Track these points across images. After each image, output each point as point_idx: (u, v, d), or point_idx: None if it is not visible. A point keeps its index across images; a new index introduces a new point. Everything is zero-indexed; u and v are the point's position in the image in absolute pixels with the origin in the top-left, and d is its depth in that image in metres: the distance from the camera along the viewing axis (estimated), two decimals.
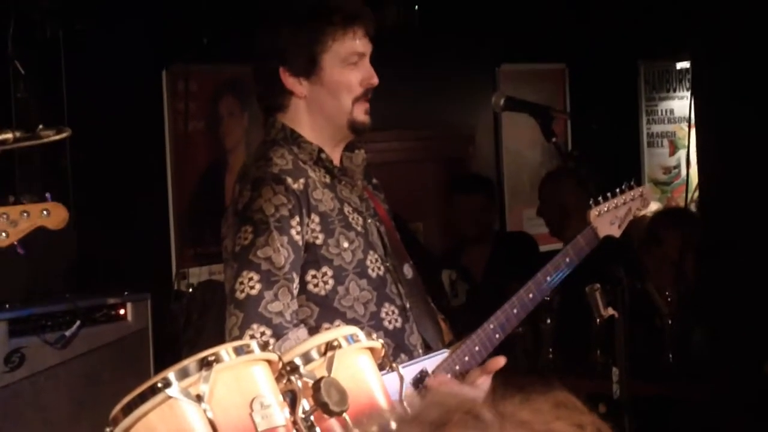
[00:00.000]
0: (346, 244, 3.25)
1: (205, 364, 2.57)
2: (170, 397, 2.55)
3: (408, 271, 3.44)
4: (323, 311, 3.26)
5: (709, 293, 5.31)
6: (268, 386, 2.65)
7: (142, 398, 2.58)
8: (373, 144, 7.78)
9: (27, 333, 5.08)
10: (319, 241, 3.23)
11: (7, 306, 5.15)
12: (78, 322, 5.18)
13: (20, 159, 5.57)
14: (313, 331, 3.21)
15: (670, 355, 5.43)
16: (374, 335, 3.02)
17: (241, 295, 3.15)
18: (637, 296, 4.89)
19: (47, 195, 3.11)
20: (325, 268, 3.24)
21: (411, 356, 3.32)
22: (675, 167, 8.42)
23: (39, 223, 3.37)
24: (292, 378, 2.71)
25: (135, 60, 5.92)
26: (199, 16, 6.08)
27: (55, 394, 5.12)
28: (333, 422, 2.74)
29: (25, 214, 3.28)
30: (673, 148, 8.44)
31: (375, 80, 3.33)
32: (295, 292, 3.18)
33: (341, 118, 3.33)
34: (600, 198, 3.54)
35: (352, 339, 2.84)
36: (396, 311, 3.34)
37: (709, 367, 5.29)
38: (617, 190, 3.58)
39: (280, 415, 2.63)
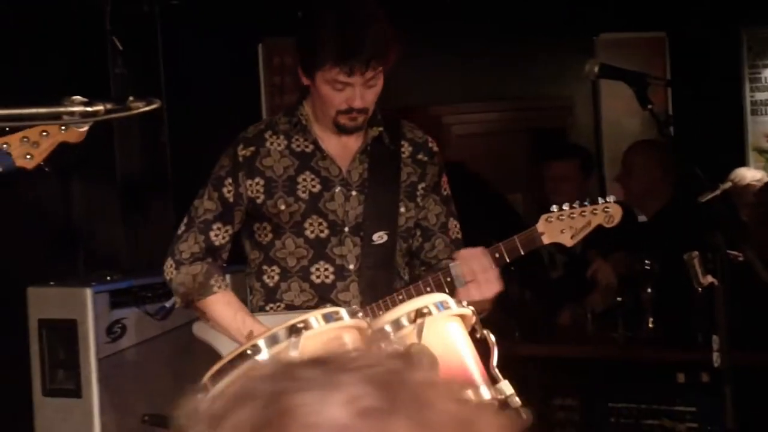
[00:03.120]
0: (283, 207, 3.74)
1: (294, 331, 2.59)
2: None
3: (379, 238, 3.76)
4: (264, 257, 3.79)
5: None
6: None
7: (233, 365, 2.61)
8: (470, 115, 7.76)
9: (128, 304, 5.16)
10: (259, 201, 3.75)
11: (109, 278, 5.23)
12: None
13: (119, 134, 5.65)
14: (254, 273, 3.81)
15: None
16: (303, 285, 3.68)
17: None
18: (739, 264, 4.82)
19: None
20: (265, 223, 3.77)
21: None
22: None
23: (60, 140, 3.52)
24: (382, 345, 2.72)
25: (231, 34, 5.95)
26: None
27: (155, 365, 5.20)
28: None
29: (44, 134, 3.42)
30: None
31: (357, 104, 3.67)
32: (218, 232, 3.77)
33: (328, 119, 3.76)
34: (557, 207, 3.65)
35: (442, 306, 2.84)
36: (331, 269, 3.72)
37: None
38: (578, 202, 3.63)
39: None
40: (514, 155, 7.34)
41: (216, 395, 1.30)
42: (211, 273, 3.76)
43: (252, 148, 3.81)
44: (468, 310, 2.88)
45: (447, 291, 3.53)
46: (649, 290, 5.52)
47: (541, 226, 3.56)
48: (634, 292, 5.55)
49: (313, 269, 3.74)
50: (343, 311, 2.69)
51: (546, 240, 3.55)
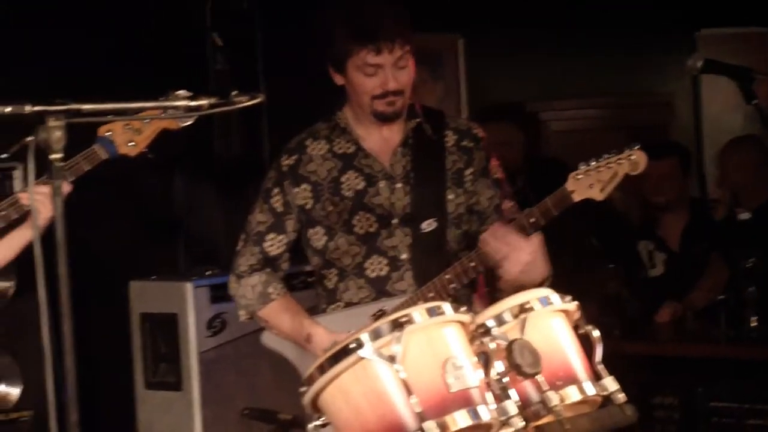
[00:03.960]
0: (331, 208, 3.80)
1: (398, 326, 2.58)
2: (363, 358, 2.57)
3: (428, 225, 3.79)
4: (323, 262, 3.86)
5: None
6: (461, 347, 2.66)
7: (336, 359, 2.61)
8: (568, 111, 7.71)
9: (228, 299, 5.18)
10: (308, 206, 3.83)
11: (209, 272, 5.28)
12: None
13: (219, 128, 5.70)
14: (318, 278, 3.89)
15: None
16: (359, 282, 3.77)
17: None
18: None
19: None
20: (317, 227, 3.83)
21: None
22: None
23: (162, 126, 3.66)
24: (485, 340, 2.70)
25: None
26: None
27: (256, 359, 5.23)
28: (527, 384, 2.73)
29: (146, 121, 3.48)
30: None
31: (391, 86, 3.70)
32: (272, 242, 3.87)
33: (365, 109, 3.78)
34: (584, 164, 3.58)
35: (545, 301, 2.82)
36: (384, 261, 3.79)
37: None
38: (604, 155, 3.56)
39: (473, 376, 2.62)
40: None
41: None
42: (268, 282, 3.87)
43: (294, 157, 3.87)
44: (572, 306, 2.86)
45: (474, 276, 3.65)
46: (753, 288, 5.45)
47: (570, 184, 3.52)
48: (736, 289, 5.48)
49: (367, 264, 3.80)
50: (446, 305, 2.68)
51: (576, 197, 3.52)
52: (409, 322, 2.59)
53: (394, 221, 3.80)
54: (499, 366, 2.68)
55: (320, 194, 3.82)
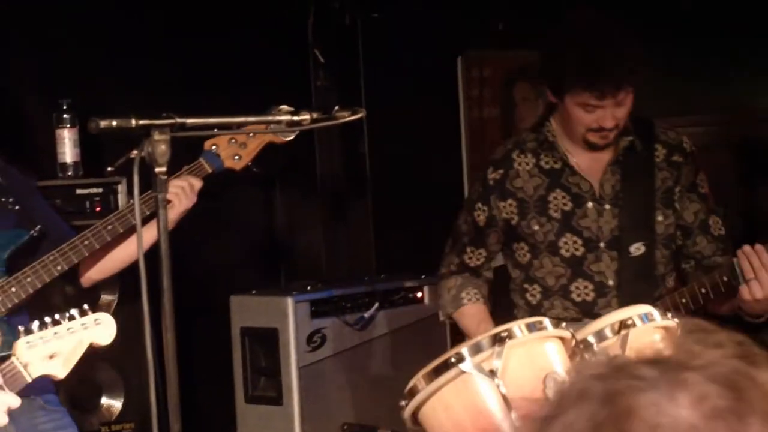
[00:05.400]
0: (536, 227, 3.78)
1: (498, 340, 2.57)
2: (464, 372, 2.56)
3: (636, 249, 3.75)
4: (525, 276, 3.86)
5: None
6: (561, 363, 2.64)
7: (437, 372, 2.60)
8: (676, 129, 7.62)
9: (328, 314, 5.22)
10: (514, 222, 3.82)
11: (309, 287, 5.31)
12: (377, 304, 5.29)
13: (320, 144, 5.74)
14: (518, 290, 3.88)
15: None
16: (565, 303, 3.75)
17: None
18: None
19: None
20: (522, 243, 3.84)
21: None
22: None
23: (267, 140, 3.64)
24: (586, 356, 2.68)
25: (430, 46, 5.99)
26: (493, 2, 6.10)
27: (355, 375, 5.25)
28: None
29: (251, 135, 3.52)
30: None
31: (607, 124, 3.64)
32: (471, 255, 3.93)
33: (576, 136, 3.74)
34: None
35: (646, 318, 2.79)
36: (591, 286, 3.76)
37: None
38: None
39: None
40: (716, 171, 7.18)
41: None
42: (464, 286, 3.92)
43: (501, 171, 3.84)
44: (672, 322, 2.83)
45: (723, 290, 3.57)
46: None
47: None
48: None
49: (572, 287, 3.78)
50: (546, 321, 2.67)
51: None
52: (510, 336, 2.58)
53: (601, 245, 3.77)
54: None
55: (526, 211, 3.81)
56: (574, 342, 2.70)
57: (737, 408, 1.17)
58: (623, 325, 2.76)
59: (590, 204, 3.77)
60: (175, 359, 2.94)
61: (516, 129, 6.42)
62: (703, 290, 3.58)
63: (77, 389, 4.70)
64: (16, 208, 3.69)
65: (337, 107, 3.09)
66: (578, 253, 3.77)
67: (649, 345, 2.71)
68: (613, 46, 3.59)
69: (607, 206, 3.76)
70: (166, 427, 2.97)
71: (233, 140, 3.67)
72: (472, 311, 3.89)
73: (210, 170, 3.71)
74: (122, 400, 4.83)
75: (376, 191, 5.86)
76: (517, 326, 2.61)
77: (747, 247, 3.55)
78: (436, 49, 6.03)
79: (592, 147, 3.73)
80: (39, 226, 3.64)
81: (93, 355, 4.78)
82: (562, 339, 2.68)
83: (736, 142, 7.35)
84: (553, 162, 3.81)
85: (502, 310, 3.94)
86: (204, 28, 5.35)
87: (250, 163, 3.74)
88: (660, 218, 3.78)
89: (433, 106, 6.07)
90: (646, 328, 2.78)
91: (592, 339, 2.73)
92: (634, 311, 2.82)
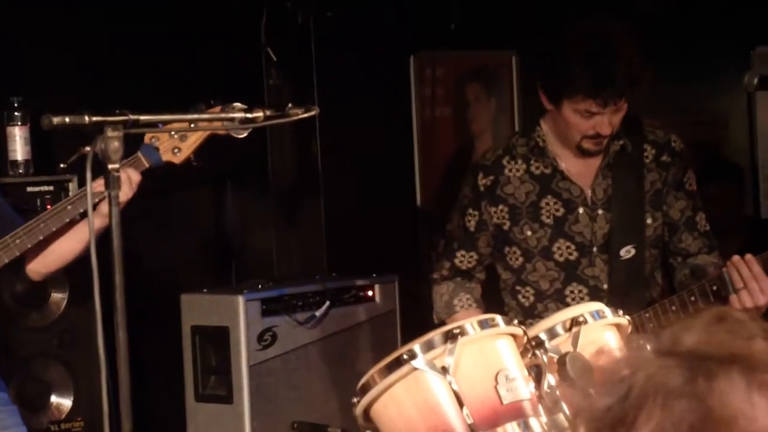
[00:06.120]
0: (529, 233, 3.80)
1: (450, 337, 2.59)
2: (416, 369, 2.58)
3: (626, 252, 3.77)
4: (516, 279, 3.87)
5: None
6: (513, 360, 2.66)
7: (389, 369, 2.61)
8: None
9: (279, 312, 5.21)
10: (506, 227, 3.84)
11: (260, 286, 5.30)
12: (327, 303, 5.29)
13: (272, 142, 5.72)
14: (509, 291, 3.90)
15: None
16: (559, 306, 3.72)
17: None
18: None
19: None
20: (514, 247, 3.84)
21: None
22: None
23: (208, 133, 3.58)
24: (537, 352, 2.70)
25: (383, 46, 5.99)
26: (446, 3, 6.11)
27: (305, 373, 5.24)
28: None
29: (192, 126, 3.43)
30: None
31: (604, 131, 3.65)
32: (462, 258, 3.94)
33: (570, 143, 3.75)
34: None
35: (597, 315, 2.82)
36: (585, 290, 3.79)
37: None
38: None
39: (525, 388, 2.62)
40: None
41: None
42: (456, 292, 3.96)
43: (491, 177, 3.86)
44: (624, 320, 2.85)
45: (712, 300, 3.59)
46: None
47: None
48: None
49: (566, 291, 3.82)
50: (498, 318, 2.68)
51: None
52: (462, 333, 2.60)
53: (594, 249, 3.80)
54: (551, 379, 2.68)
55: (518, 217, 3.83)
56: (526, 339, 2.72)
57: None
58: (575, 322, 2.78)
59: (581, 210, 3.80)
60: (127, 357, 2.92)
61: (468, 129, 6.44)
62: (692, 298, 3.62)
63: (26, 387, 4.68)
64: None
65: (290, 105, 3.09)
66: (572, 258, 3.80)
67: (599, 342, 2.74)
68: (619, 55, 3.58)
69: (600, 211, 3.79)
70: (117, 426, 2.96)
71: (174, 133, 3.59)
72: (466, 317, 3.87)
73: (147, 164, 3.62)
74: (72, 399, 4.80)
75: (328, 190, 5.86)
76: (469, 323, 2.63)
77: (737, 258, 3.58)
78: (389, 48, 6.04)
79: (584, 153, 3.75)
80: None
81: (41, 352, 4.78)
82: (514, 336, 2.70)
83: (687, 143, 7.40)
84: (543, 167, 3.82)
85: (492, 309, 3.95)
86: (157, 25, 5.33)
87: (191, 156, 3.66)
88: (649, 221, 3.81)
89: (386, 105, 6.08)
90: (597, 325, 2.81)
91: (543, 336, 2.75)
92: (585, 308, 2.85)
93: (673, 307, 3.63)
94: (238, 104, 3.21)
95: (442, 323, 3.89)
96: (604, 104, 3.58)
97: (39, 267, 3.75)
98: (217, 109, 3.32)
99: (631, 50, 3.62)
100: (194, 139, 3.61)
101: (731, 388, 1.20)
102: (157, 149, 3.62)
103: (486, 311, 3.90)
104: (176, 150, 3.62)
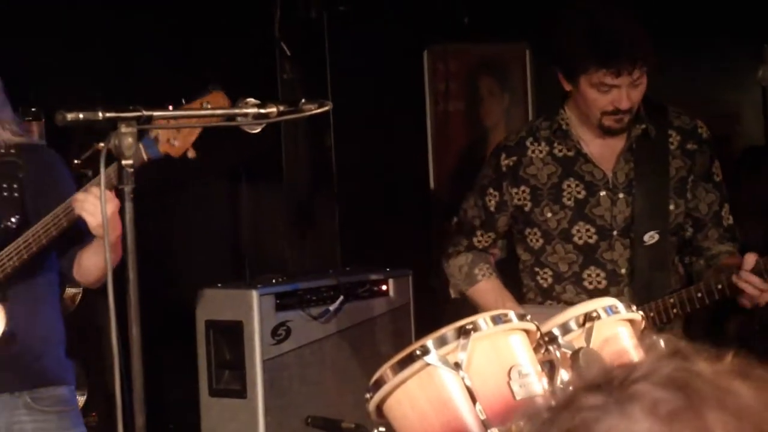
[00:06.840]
0: (549, 214, 3.83)
1: (463, 333, 2.58)
2: (428, 365, 2.57)
3: (650, 238, 3.78)
4: (535, 260, 3.90)
5: None
6: (526, 355, 2.65)
7: (402, 365, 2.61)
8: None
9: (293, 307, 5.22)
10: (527, 208, 3.86)
11: (274, 281, 5.30)
12: (341, 298, 5.29)
13: (286, 137, 5.73)
14: (528, 272, 3.93)
15: None
16: (577, 289, 3.81)
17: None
18: None
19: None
20: (535, 229, 3.87)
21: None
22: None
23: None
24: (551, 348, 2.70)
25: (396, 40, 5.99)
26: None
27: (319, 367, 5.25)
28: None
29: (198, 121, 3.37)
30: None
31: (623, 105, 3.66)
32: (480, 238, 3.97)
33: (592, 120, 3.76)
34: None
35: (611, 310, 2.81)
36: (603, 275, 3.81)
37: None
38: None
39: (539, 384, 2.62)
40: None
41: None
42: (475, 263, 3.98)
43: (514, 158, 3.88)
44: (637, 315, 2.85)
45: (717, 297, 3.63)
46: None
47: None
48: None
49: (584, 275, 3.84)
50: (512, 313, 2.68)
51: None
52: (475, 329, 2.59)
53: (614, 233, 3.82)
54: (564, 374, 2.67)
55: (539, 199, 3.86)
56: (539, 334, 2.72)
57: (691, 404, 1.17)
58: (588, 317, 2.77)
59: (603, 193, 3.81)
60: (140, 352, 2.93)
61: (481, 122, 6.44)
62: (699, 294, 3.65)
63: None
64: (15, 195, 3.66)
65: (303, 100, 3.09)
66: (591, 241, 3.82)
67: (613, 338, 2.73)
68: (622, 23, 3.65)
69: (621, 195, 3.80)
70: (131, 420, 2.97)
71: (168, 122, 3.49)
72: (488, 287, 3.95)
73: (146, 158, 3.53)
74: (86, 393, 4.81)
75: (342, 184, 5.87)
76: (482, 318, 2.62)
77: (745, 273, 3.59)
78: (402, 42, 6.04)
79: (607, 132, 3.76)
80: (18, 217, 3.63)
81: None
82: (527, 331, 2.69)
83: None
84: (566, 150, 3.85)
85: (510, 289, 4.01)
86: (170, 21, 5.34)
87: (189, 148, 3.55)
88: (672, 207, 3.82)
89: (399, 99, 6.08)
90: (610, 321, 2.80)
91: (557, 331, 2.74)
92: (599, 303, 2.84)
93: (699, 294, 3.65)
94: (251, 99, 3.21)
95: (462, 295, 3.98)
96: (617, 73, 3.60)
97: (78, 277, 3.77)
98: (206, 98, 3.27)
99: (632, 20, 3.68)
100: (188, 130, 3.51)
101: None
102: (154, 141, 3.53)
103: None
104: (174, 140, 3.51)
